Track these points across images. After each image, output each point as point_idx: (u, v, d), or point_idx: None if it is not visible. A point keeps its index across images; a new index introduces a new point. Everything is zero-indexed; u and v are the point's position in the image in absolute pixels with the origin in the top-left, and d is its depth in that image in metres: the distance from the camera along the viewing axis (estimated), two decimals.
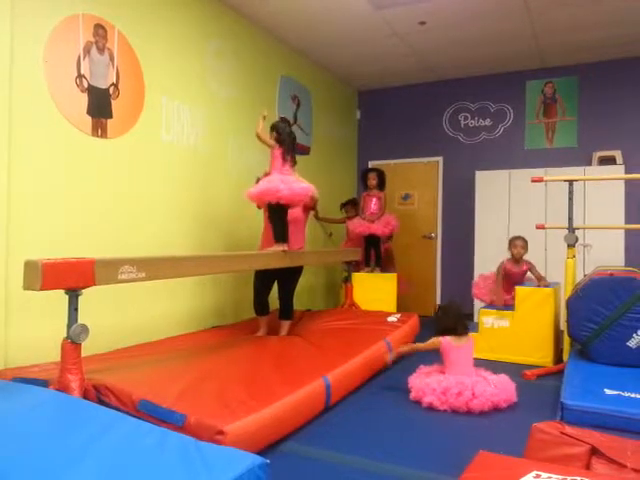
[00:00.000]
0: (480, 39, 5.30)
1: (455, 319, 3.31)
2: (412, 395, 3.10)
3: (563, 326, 3.88)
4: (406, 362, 3.84)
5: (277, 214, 3.82)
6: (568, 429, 1.93)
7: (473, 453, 1.80)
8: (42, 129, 3.06)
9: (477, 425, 2.75)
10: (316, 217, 5.39)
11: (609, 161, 5.53)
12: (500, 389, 3.00)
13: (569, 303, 3.63)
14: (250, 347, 3.54)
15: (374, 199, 5.44)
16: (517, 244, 4.38)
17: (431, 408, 2.96)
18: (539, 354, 4.02)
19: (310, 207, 4.33)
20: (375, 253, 5.50)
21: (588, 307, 3.48)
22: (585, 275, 4.61)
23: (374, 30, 5.08)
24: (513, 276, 4.37)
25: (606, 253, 5.21)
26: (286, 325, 4.13)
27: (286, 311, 4.15)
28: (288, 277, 4.14)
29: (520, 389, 3.12)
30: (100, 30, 3.40)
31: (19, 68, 2.92)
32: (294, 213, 3.95)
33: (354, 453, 2.35)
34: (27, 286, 2.22)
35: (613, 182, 5.18)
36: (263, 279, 4.14)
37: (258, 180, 4.01)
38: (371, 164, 6.82)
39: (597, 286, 3.51)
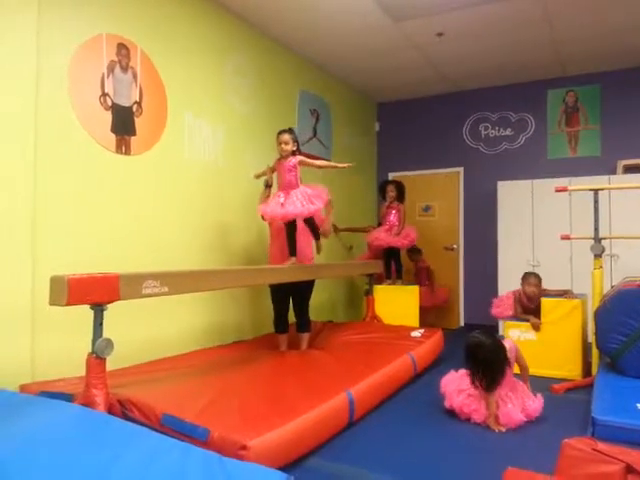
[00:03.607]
0: (499, 48, 5.28)
1: (476, 369, 2.88)
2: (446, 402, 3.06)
3: (591, 338, 3.79)
4: (430, 376, 3.79)
5: (286, 229, 3.88)
6: (601, 446, 1.86)
7: (501, 469, 1.76)
8: (67, 146, 3.12)
9: (505, 440, 2.69)
10: (335, 231, 5.36)
11: (635, 169, 5.42)
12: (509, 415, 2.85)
13: (597, 315, 3.54)
14: (271, 362, 3.53)
15: (393, 211, 5.42)
16: (531, 282, 4.16)
17: (452, 410, 2.99)
18: (567, 367, 3.93)
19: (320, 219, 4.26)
20: (395, 266, 5.46)
21: (616, 319, 3.39)
22: (613, 286, 4.50)
23: (392, 42, 5.10)
24: (532, 309, 4.21)
25: (634, 263, 5.08)
26: (305, 338, 4.12)
27: (302, 324, 4.15)
28: (299, 290, 4.14)
29: (548, 403, 3.05)
30: (123, 50, 3.48)
31: (44, 87, 2.99)
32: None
33: (378, 470, 2.31)
34: (53, 301, 2.26)
35: (639, 191, 5.06)
36: (277, 295, 4.17)
37: (267, 183, 4.08)
38: (391, 176, 6.81)
39: (625, 297, 3.43)
